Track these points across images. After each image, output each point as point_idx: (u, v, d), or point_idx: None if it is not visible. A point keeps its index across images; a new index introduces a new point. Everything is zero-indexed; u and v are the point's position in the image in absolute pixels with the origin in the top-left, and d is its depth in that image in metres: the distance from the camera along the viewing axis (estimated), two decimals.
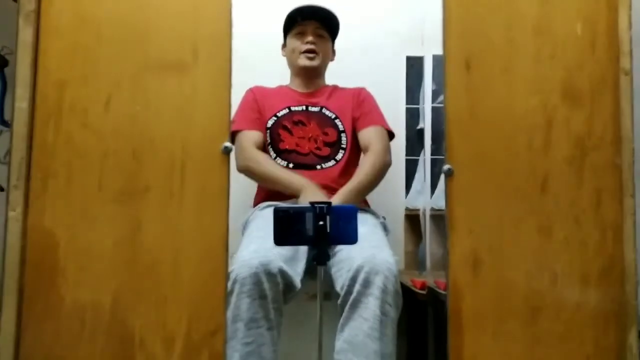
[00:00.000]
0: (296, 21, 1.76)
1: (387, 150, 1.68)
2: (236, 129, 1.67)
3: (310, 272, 1.45)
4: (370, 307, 1.27)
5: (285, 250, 1.37)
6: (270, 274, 1.28)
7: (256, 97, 1.76)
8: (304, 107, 1.75)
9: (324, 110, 1.75)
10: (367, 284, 1.28)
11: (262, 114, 1.73)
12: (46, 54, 1.16)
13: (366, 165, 1.64)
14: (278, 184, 1.60)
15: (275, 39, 1.84)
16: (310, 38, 1.74)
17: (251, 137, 1.67)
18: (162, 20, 1.19)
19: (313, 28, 1.75)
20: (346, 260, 1.35)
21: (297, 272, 1.37)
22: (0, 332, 1.09)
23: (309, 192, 1.52)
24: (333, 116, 1.74)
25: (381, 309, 1.27)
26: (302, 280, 1.38)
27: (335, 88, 1.82)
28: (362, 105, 1.76)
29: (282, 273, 1.31)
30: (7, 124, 1.82)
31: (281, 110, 1.74)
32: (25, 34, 1.15)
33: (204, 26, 1.19)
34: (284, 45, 1.83)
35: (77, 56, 1.17)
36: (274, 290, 1.29)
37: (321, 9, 1.76)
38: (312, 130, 1.72)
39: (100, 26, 1.18)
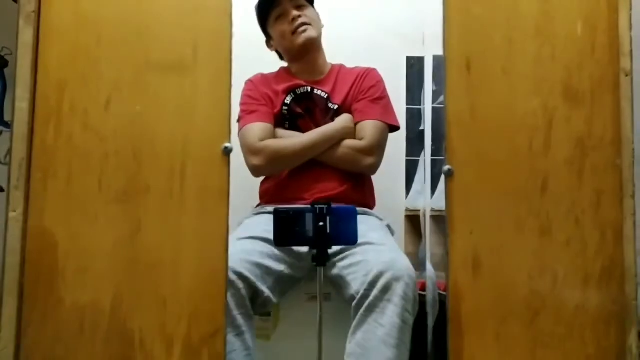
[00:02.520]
0: (269, 6, 1.63)
1: (375, 150, 1.58)
2: (243, 126, 1.57)
3: (290, 279, 1.42)
4: (388, 313, 1.24)
5: (257, 256, 1.34)
6: (229, 281, 1.22)
7: (257, 87, 1.65)
8: (309, 89, 1.64)
9: (329, 104, 1.64)
10: (386, 290, 1.25)
11: (267, 104, 1.62)
12: (46, 54, 1.16)
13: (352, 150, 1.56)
14: (320, 146, 1.55)
15: None
16: (294, 13, 1.60)
17: (261, 128, 1.56)
18: (162, 20, 1.19)
19: (291, 4, 1.62)
20: (362, 263, 1.32)
21: (264, 280, 1.33)
22: (0, 333, 1.09)
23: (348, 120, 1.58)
24: (335, 107, 1.62)
25: (401, 316, 1.24)
26: (275, 290, 1.36)
27: (340, 71, 1.70)
28: (361, 93, 1.63)
29: (244, 279, 1.28)
30: (7, 125, 1.82)
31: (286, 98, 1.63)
32: (26, 35, 1.15)
33: (204, 26, 1.19)
34: (269, 39, 1.71)
35: (78, 56, 1.17)
36: (237, 297, 1.26)
37: None
38: (317, 121, 1.62)
39: (101, 26, 1.18)
